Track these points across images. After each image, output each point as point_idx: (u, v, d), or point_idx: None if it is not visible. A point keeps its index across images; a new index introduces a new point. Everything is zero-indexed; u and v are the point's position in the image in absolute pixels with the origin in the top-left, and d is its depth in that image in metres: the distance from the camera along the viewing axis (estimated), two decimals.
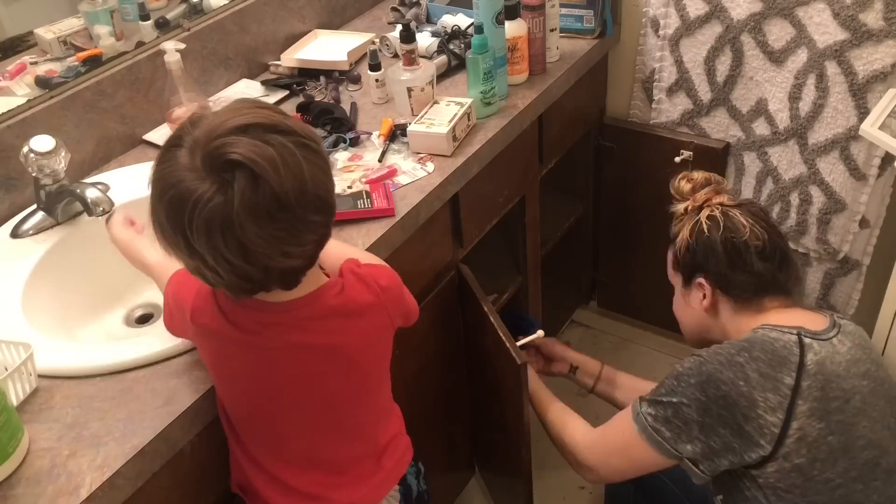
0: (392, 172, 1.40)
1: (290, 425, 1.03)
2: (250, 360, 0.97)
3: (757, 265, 1.28)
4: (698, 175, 1.40)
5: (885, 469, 1.17)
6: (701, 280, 1.33)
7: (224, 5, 1.66)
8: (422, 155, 1.45)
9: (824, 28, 1.56)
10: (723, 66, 1.75)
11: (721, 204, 1.33)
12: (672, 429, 1.20)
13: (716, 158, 1.86)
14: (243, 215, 0.81)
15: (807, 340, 1.17)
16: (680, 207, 1.39)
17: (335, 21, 1.92)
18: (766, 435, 1.13)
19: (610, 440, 1.33)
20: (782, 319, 1.23)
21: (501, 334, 1.39)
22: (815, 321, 1.23)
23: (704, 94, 1.82)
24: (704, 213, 1.33)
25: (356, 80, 1.69)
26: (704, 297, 1.33)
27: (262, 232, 0.83)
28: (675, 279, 1.42)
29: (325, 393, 1.02)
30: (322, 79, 1.70)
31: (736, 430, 1.15)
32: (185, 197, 0.82)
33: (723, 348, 1.20)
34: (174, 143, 0.86)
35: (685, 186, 1.40)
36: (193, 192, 0.82)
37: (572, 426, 1.44)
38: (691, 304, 1.37)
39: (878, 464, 1.17)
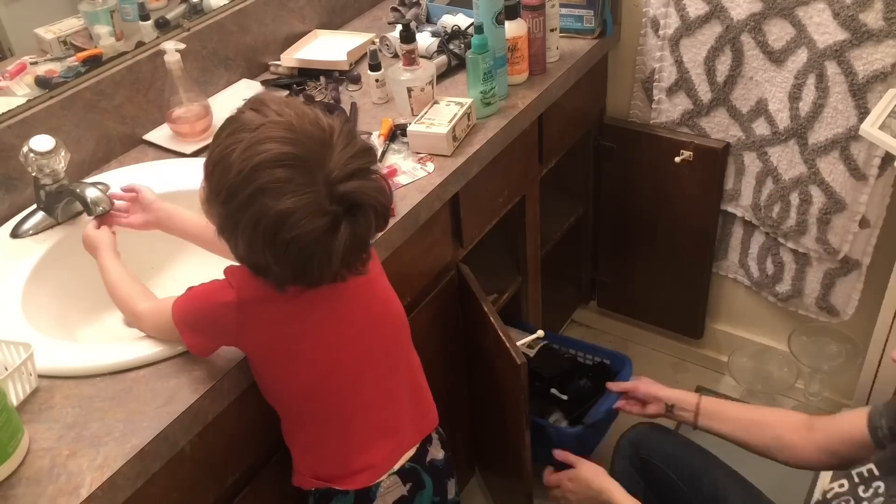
0: (392, 172, 1.40)
1: (359, 365, 1.10)
2: (322, 305, 1.04)
3: None
4: None
5: None
6: None
7: (224, 5, 1.66)
8: (422, 155, 1.45)
9: (824, 28, 1.56)
10: (723, 66, 1.75)
11: None
12: None
13: (716, 158, 1.86)
14: (344, 249, 0.93)
15: None
16: None
17: (335, 21, 1.92)
18: None
19: None
20: None
21: (501, 334, 1.39)
22: None
23: (704, 94, 1.82)
24: None
25: (356, 80, 1.69)
26: None
27: (351, 257, 0.96)
28: None
29: (382, 299, 1.13)
30: (322, 79, 1.70)
31: None
32: (314, 237, 0.91)
33: None
34: (278, 161, 0.90)
35: None
36: (314, 223, 0.90)
37: None
38: None
39: None
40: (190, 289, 1.04)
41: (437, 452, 1.23)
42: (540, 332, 1.57)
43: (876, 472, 1.09)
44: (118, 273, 1.15)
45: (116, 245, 1.20)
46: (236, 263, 1.00)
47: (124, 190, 1.28)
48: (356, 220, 0.92)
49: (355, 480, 1.12)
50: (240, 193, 0.90)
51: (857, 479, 1.11)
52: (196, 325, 1.02)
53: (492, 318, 1.43)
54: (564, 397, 1.79)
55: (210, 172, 0.95)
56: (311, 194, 0.89)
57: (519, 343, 1.38)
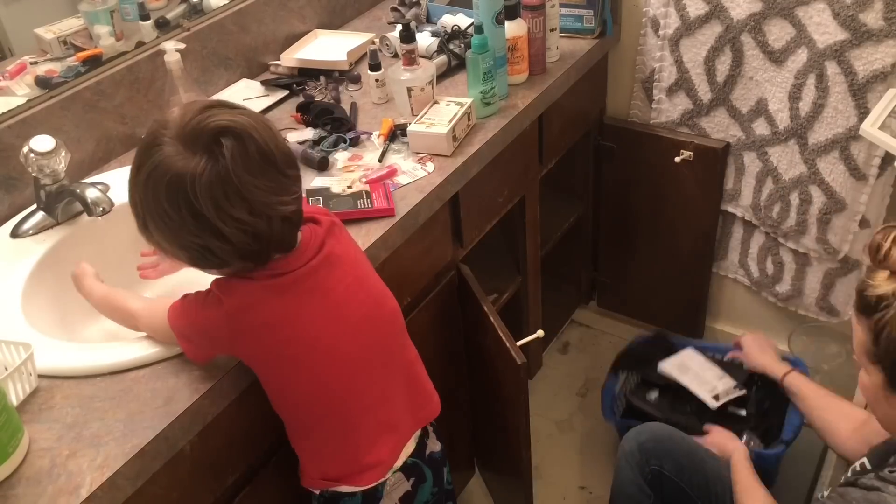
0: (392, 172, 1.40)
1: (358, 363, 1.10)
2: (313, 305, 1.03)
3: None
4: None
5: None
6: None
7: (224, 5, 1.66)
8: (422, 155, 1.45)
9: (824, 28, 1.56)
10: (723, 66, 1.75)
11: None
12: None
13: (716, 158, 1.86)
14: (240, 172, 0.90)
15: None
16: (886, 286, 1.00)
17: (335, 21, 1.92)
18: None
19: None
20: None
21: (501, 334, 1.39)
22: None
23: (704, 94, 1.82)
24: None
25: (356, 80, 1.69)
26: None
27: (258, 183, 0.92)
28: (869, 367, 1.06)
29: (374, 297, 1.12)
30: (322, 79, 1.70)
31: None
32: (182, 175, 0.89)
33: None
34: (152, 143, 0.92)
35: (894, 255, 1.00)
36: (188, 168, 0.89)
37: None
38: (894, 406, 1.06)
39: None
40: (185, 296, 1.03)
41: (434, 445, 1.25)
42: (540, 333, 1.57)
43: (868, 466, 1.10)
44: (102, 289, 1.16)
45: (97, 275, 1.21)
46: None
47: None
48: (213, 152, 0.90)
49: (365, 478, 1.13)
50: (135, 196, 0.94)
51: (850, 474, 1.12)
52: (191, 336, 1.02)
53: (492, 318, 1.43)
54: (742, 412, 1.74)
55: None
56: (169, 149, 0.90)
57: (519, 343, 1.38)
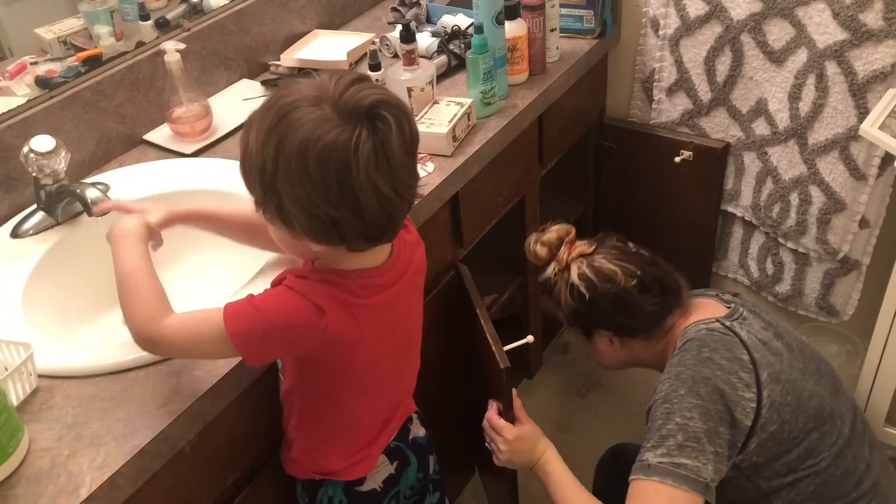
0: None
1: (395, 368, 1.14)
2: (381, 318, 1.03)
3: (645, 305, 1.31)
4: (549, 235, 1.40)
5: (829, 412, 1.24)
6: (602, 332, 1.36)
7: (224, 5, 1.66)
8: (422, 155, 1.45)
9: (824, 28, 1.56)
10: (723, 66, 1.75)
11: (582, 255, 1.35)
12: (689, 454, 1.14)
13: (716, 158, 1.86)
14: (396, 148, 0.89)
15: (728, 323, 1.25)
16: (548, 272, 1.38)
17: (335, 21, 1.92)
18: (749, 413, 1.17)
19: None
20: (696, 319, 1.29)
21: (489, 337, 1.39)
22: (716, 310, 1.30)
23: (704, 94, 1.82)
24: (574, 272, 1.34)
25: None
26: (612, 342, 1.37)
27: (406, 162, 0.92)
28: (572, 331, 1.43)
29: (416, 318, 1.15)
30: None
31: (730, 421, 1.16)
32: (339, 144, 0.86)
33: (683, 355, 1.23)
34: (288, 106, 0.88)
35: (541, 251, 1.39)
36: (346, 137, 0.86)
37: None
38: (601, 349, 1.40)
39: (822, 408, 1.23)
40: (252, 298, 0.96)
41: (418, 430, 1.25)
42: (529, 338, 1.57)
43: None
44: (142, 260, 1.01)
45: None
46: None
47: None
48: (375, 125, 0.88)
49: (357, 471, 1.14)
50: (266, 155, 0.88)
51: None
52: (271, 337, 0.96)
53: (482, 321, 1.43)
54: None
55: (245, 169, 0.93)
56: (319, 115, 0.88)
57: (506, 348, 1.38)
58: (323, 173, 0.87)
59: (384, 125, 0.88)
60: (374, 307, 1.01)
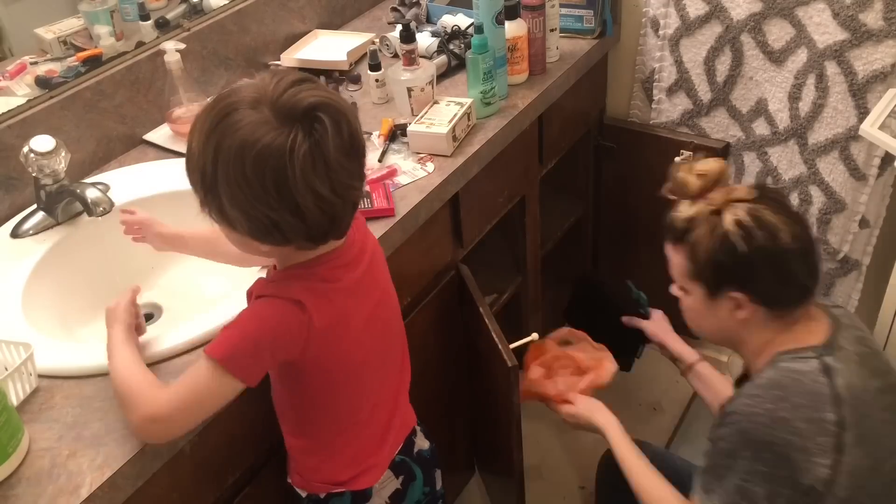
0: (392, 172, 1.40)
1: (378, 364, 1.12)
2: (362, 305, 1.04)
3: (800, 275, 1.14)
4: (708, 167, 1.17)
5: None
6: (735, 294, 1.15)
7: (224, 5, 1.66)
8: (422, 155, 1.45)
9: (824, 28, 1.56)
10: (723, 66, 1.75)
11: (742, 200, 1.13)
12: None
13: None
14: (334, 150, 0.89)
15: (828, 362, 1.10)
16: (690, 210, 1.18)
17: (335, 21, 1.92)
18: (821, 479, 1.06)
19: None
20: (799, 337, 1.15)
21: (495, 336, 1.39)
22: (819, 328, 1.16)
23: (704, 94, 1.82)
24: (728, 217, 1.13)
25: (356, 80, 1.69)
26: (739, 308, 1.16)
27: (345, 163, 0.91)
28: (691, 286, 1.22)
29: (392, 303, 1.15)
30: (322, 79, 1.70)
31: (797, 486, 1.07)
32: (275, 147, 0.86)
33: (758, 404, 1.09)
34: (227, 108, 0.89)
35: (693, 184, 1.18)
36: (282, 139, 0.87)
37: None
38: (717, 314, 1.20)
39: None
40: (227, 325, 0.97)
41: (422, 443, 1.25)
42: (534, 335, 1.57)
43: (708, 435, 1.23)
44: (129, 360, 1.00)
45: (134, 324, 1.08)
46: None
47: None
48: (311, 127, 0.88)
49: (364, 480, 1.13)
50: (206, 158, 0.89)
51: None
52: (261, 348, 0.95)
53: (486, 320, 1.43)
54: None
55: (188, 170, 0.93)
56: (257, 118, 0.88)
57: (512, 346, 1.38)
58: (260, 176, 0.87)
59: (321, 127, 0.88)
60: (348, 288, 1.02)
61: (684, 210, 1.19)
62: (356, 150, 0.93)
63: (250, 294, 1.03)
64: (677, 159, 1.89)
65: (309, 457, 1.13)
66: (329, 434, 1.11)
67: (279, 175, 0.87)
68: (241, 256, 1.06)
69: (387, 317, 1.13)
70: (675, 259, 1.24)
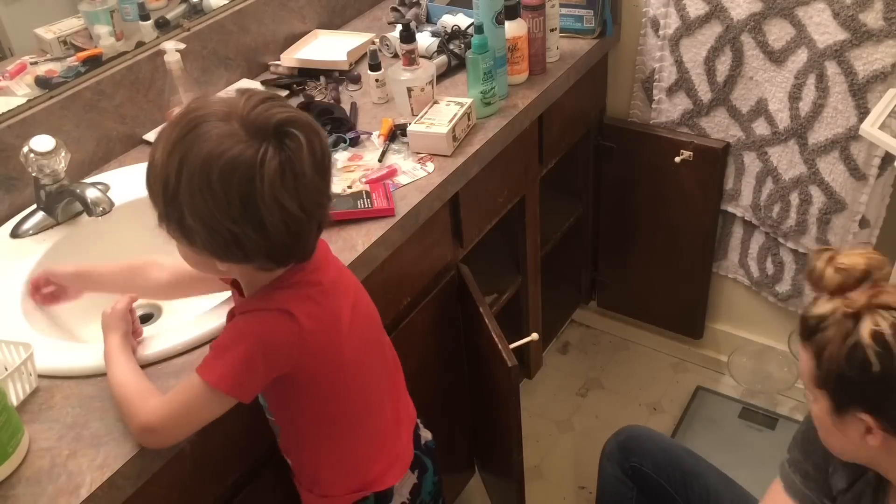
0: (392, 172, 1.40)
1: (374, 361, 1.12)
2: (344, 312, 1.04)
3: None
4: (853, 259, 0.97)
5: None
6: (864, 417, 0.96)
7: (224, 5, 1.66)
8: (422, 155, 1.45)
9: (824, 28, 1.56)
10: (723, 66, 1.75)
11: (890, 308, 0.93)
12: None
13: (716, 158, 1.86)
14: (304, 166, 0.88)
15: None
16: (824, 307, 0.97)
17: (335, 21, 1.92)
18: None
19: None
20: None
21: (495, 336, 1.39)
22: None
23: (704, 94, 1.82)
24: (867, 325, 0.92)
25: (356, 80, 1.69)
26: (869, 433, 0.98)
27: (315, 181, 0.90)
28: (817, 394, 1.02)
29: (366, 301, 1.13)
30: (322, 79, 1.70)
31: None
32: (244, 160, 0.86)
33: None
34: (196, 121, 0.88)
35: (832, 279, 0.97)
36: (251, 153, 0.86)
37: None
38: (846, 433, 1.01)
39: None
40: (216, 343, 0.96)
41: (426, 434, 1.25)
42: (534, 336, 1.57)
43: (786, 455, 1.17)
44: (126, 367, 1.01)
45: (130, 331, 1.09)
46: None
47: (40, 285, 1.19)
48: (283, 143, 0.87)
49: (384, 480, 1.14)
50: (170, 168, 0.87)
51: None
52: (253, 364, 0.94)
53: (486, 320, 1.43)
54: None
55: (149, 181, 0.92)
56: (226, 130, 0.87)
57: (512, 346, 1.38)
58: (225, 187, 0.85)
59: (294, 143, 0.88)
60: (329, 290, 1.01)
61: (819, 305, 0.99)
62: (326, 169, 0.93)
63: (231, 315, 1.02)
64: (677, 159, 1.90)
65: (324, 470, 1.11)
66: (343, 440, 1.10)
67: (247, 187, 0.85)
68: (166, 286, 1.09)
69: (367, 314, 1.12)
70: (803, 358, 1.04)
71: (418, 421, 1.25)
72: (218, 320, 1.09)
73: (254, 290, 0.99)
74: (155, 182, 0.90)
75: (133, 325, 1.09)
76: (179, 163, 0.86)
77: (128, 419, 0.96)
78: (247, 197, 0.86)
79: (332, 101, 1.62)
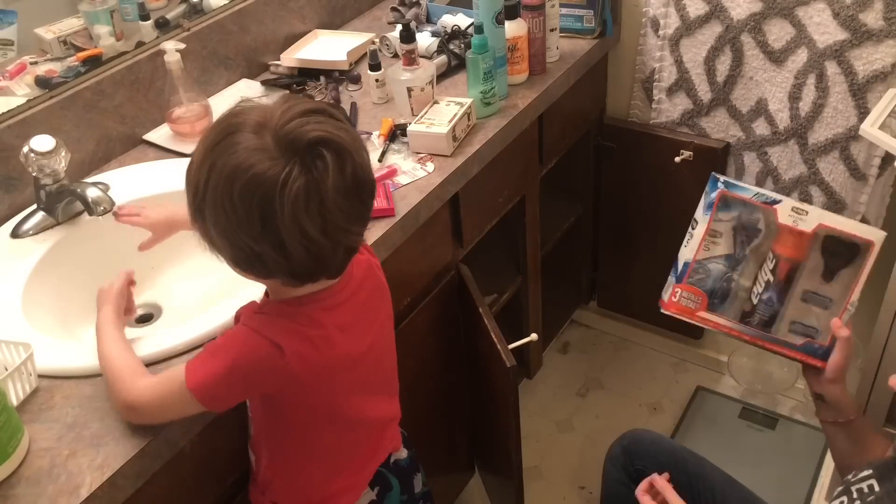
0: (392, 172, 1.40)
1: (371, 403, 1.09)
2: (355, 338, 1.01)
3: None
4: None
5: None
6: None
7: (224, 5, 1.66)
8: (422, 155, 1.45)
9: (824, 28, 1.56)
10: (723, 66, 1.75)
11: None
12: None
13: (716, 158, 1.86)
14: (331, 189, 0.85)
15: None
16: None
17: (335, 21, 1.92)
18: None
19: None
20: None
21: (494, 336, 1.39)
22: None
23: (704, 94, 1.82)
24: None
25: (356, 80, 1.69)
26: None
27: (343, 205, 0.86)
28: None
29: (387, 333, 1.11)
30: (322, 79, 1.70)
31: None
32: (267, 177, 0.83)
33: None
34: (230, 128, 0.86)
35: None
36: (277, 171, 0.83)
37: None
38: None
39: None
40: (210, 345, 0.96)
41: (400, 453, 1.21)
42: (533, 336, 1.57)
43: (876, 488, 1.08)
44: (115, 341, 1.02)
45: (124, 308, 1.10)
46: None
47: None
48: (312, 163, 0.84)
49: (342, 501, 1.12)
50: (201, 174, 0.86)
51: (855, 495, 1.09)
52: (232, 381, 0.94)
53: (486, 320, 1.43)
54: None
55: (187, 179, 0.91)
56: (256, 143, 0.84)
57: (511, 346, 1.38)
58: (246, 204, 0.83)
59: (321, 163, 0.84)
60: (336, 335, 0.97)
61: None
62: (359, 192, 0.89)
63: (238, 317, 1.01)
64: (677, 159, 1.90)
65: (280, 478, 1.09)
66: (307, 465, 1.08)
67: (266, 207, 0.83)
68: None
69: (378, 355, 1.09)
70: None
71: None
72: (218, 321, 1.09)
73: (278, 298, 0.98)
74: (189, 184, 0.89)
75: (128, 302, 1.10)
76: (208, 172, 0.86)
77: (114, 394, 0.98)
78: (267, 217, 0.83)
79: (332, 101, 1.62)
